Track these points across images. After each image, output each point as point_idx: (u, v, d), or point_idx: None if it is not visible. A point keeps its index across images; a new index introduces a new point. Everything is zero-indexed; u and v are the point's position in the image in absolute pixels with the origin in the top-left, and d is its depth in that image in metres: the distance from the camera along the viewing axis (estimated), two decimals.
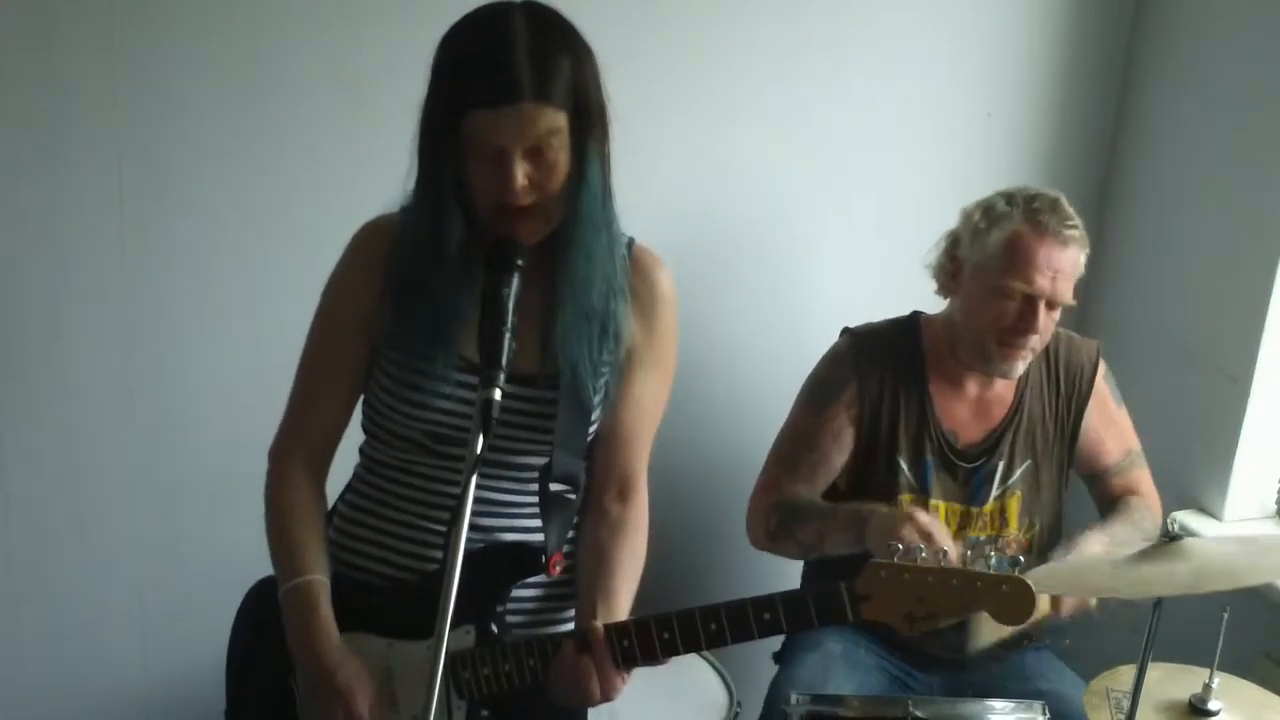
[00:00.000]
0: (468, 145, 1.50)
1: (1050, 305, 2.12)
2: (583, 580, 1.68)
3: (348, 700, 1.58)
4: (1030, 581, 1.45)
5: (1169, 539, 1.82)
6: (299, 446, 1.72)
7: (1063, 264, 2.10)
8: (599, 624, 1.55)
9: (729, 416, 2.75)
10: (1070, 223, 2.12)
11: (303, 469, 1.71)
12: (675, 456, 2.60)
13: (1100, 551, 2.12)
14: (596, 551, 1.68)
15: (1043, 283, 2.09)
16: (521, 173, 1.50)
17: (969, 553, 1.48)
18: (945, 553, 1.47)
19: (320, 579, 1.64)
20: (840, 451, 2.24)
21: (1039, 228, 2.09)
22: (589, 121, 1.53)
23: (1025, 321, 2.12)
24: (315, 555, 1.66)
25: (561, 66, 1.49)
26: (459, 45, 1.52)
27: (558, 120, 1.49)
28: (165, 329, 2.34)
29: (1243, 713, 1.94)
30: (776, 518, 2.23)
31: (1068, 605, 2.11)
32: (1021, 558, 1.48)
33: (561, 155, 1.52)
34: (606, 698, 1.56)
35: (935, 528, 1.98)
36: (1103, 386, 2.31)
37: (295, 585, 1.63)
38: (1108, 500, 2.36)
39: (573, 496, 1.69)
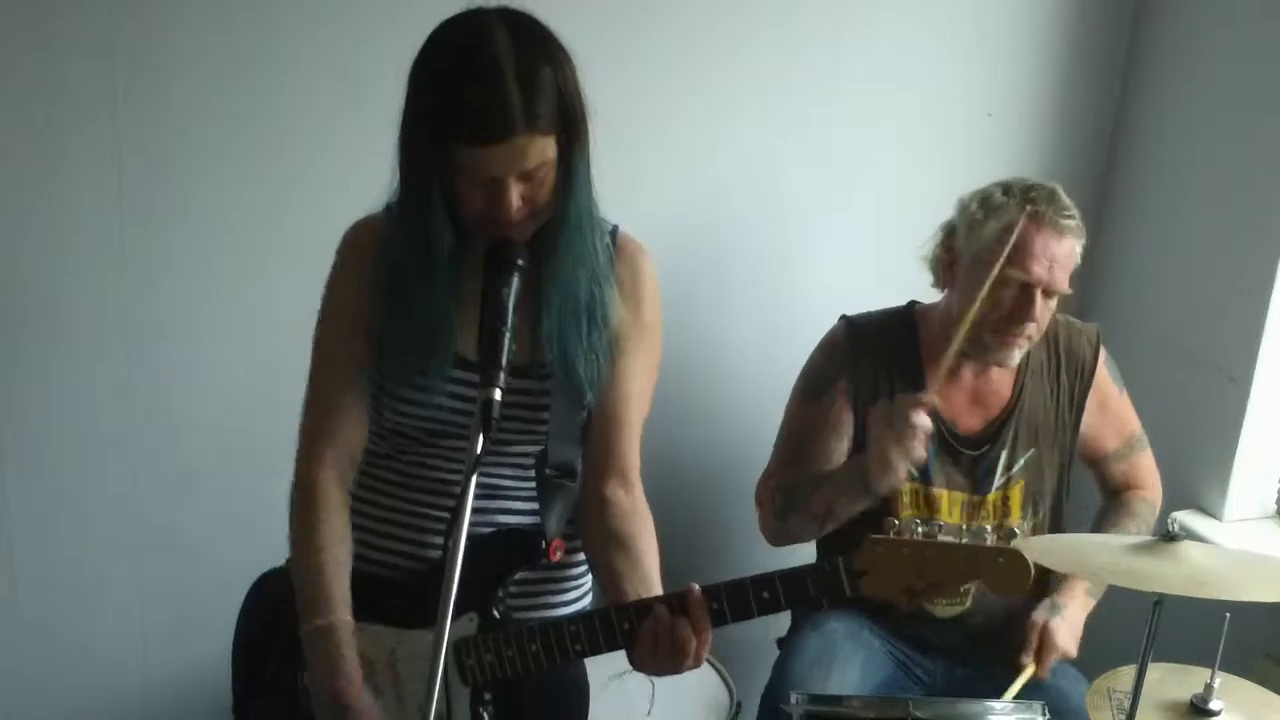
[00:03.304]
0: (457, 170, 1.51)
1: (1047, 294, 2.13)
2: (608, 571, 1.66)
3: None
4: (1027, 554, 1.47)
5: (1168, 538, 1.82)
6: (328, 454, 1.69)
7: (1059, 253, 2.11)
8: (696, 586, 1.54)
9: (728, 414, 2.75)
10: (1067, 212, 2.13)
11: (333, 483, 1.69)
12: (675, 451, 2.61)
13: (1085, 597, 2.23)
14: (614, 540, 1.67)
15: (1040, 271, 2.10)
16: (516, 194, 1.51)
17: (965, 526, 1.49)
18: (941, 526, 1.48)
19: (348, 619, 1.62)
20: (840, 439, 2.24)
21: (1036, 217, 2.10)
22: (575, 132, 1.54)
23: (1022, 310, 2.12)
24: (343, 591, 1.64)
25: (546, 84, 1.49)
26: (442, 72, 1.51)
27: (548, 146, 1.51)
28: (165, 329, 2.34)
29: (1244, 713, 1.93)
30: (780, 499, 2.23)
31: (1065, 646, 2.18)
32: (1018, 530, 1.49)
33: (551, 172, 1.54)
34: (698, 661, 1.55)
35: (910, 407, 1.96)
36: (1104, 373, 2.31)
37: (325, 625, 1.61)
38: (1110, 487, 2.39)
39: (570, 483, 1.69)
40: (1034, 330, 2.16)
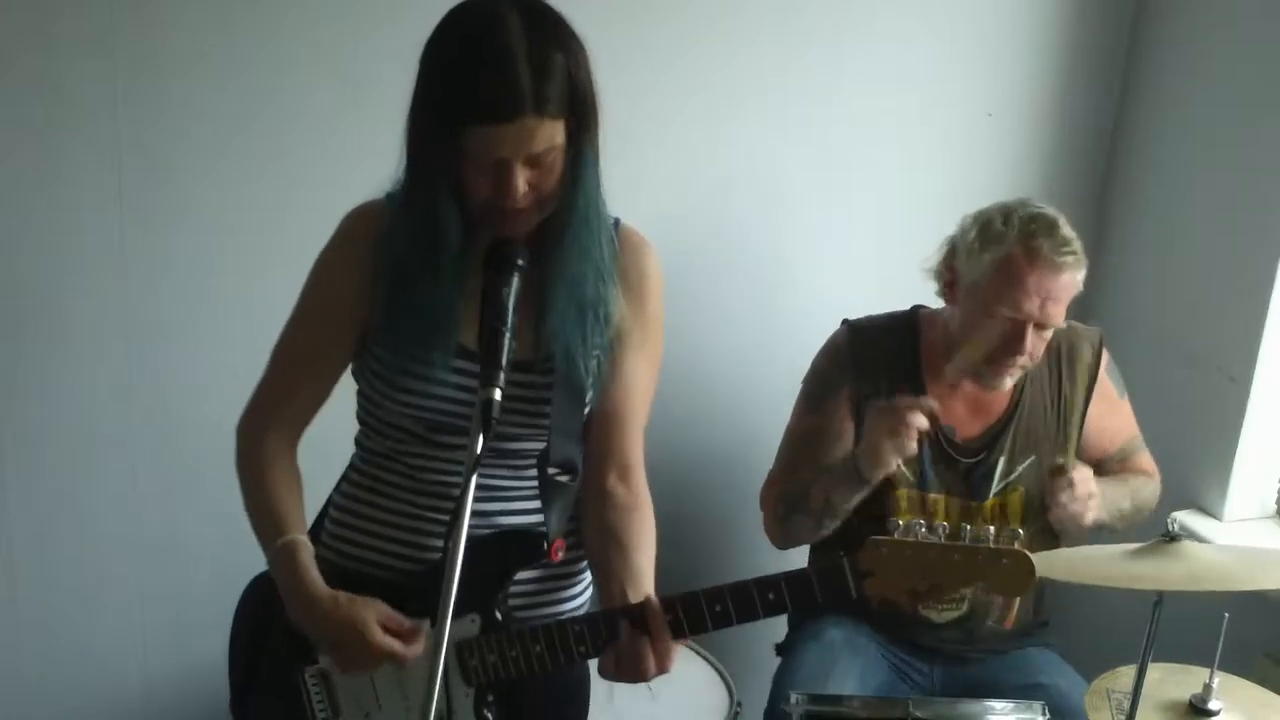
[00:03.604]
0: (464, 153, 1.50)
1: (1039, 327, 2.12)
2: (601, 565, 1.66)
3: (362, 629, 1.57)
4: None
5: (1168, 539, 1.82)
6: (271, 425, 1.71)
7: (1054, 289, 2.08)
8: (653, 597, 1.54)
9: (728, 414, 2.75)
10: (1066, 248, 2.09)
11: (274, 443, 1.71)
12: (676, 452, 2.61)
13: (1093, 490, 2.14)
14: (609, 534, 1.66)
15: (1030, 309, 2.08)
16: (522, 180, 1.50)
17: (968, 527, 1.49)
18: (945, 527, 1.48)
19: (303, 539, 1.64)
20: (843, 448, 2.24)
21: (1031, 254, 2.07)
22: (585, 120, 1.53)
23: (1013, 344, 2.11)
24: (296, 517, 1.67)
25: (558, 69, 1.48)
26: (453, 52, 1.50)
27: (557, 131, 1.50)
28: (165, 329, 2.34)
29: (1243, 712, 1.94)
30: (783, 504, 2.25)
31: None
32: (1021, 530, 1.49)
33: (559, 159, 1.52)
34: (662, 669, 1.55)
35: (907, 408, 2.02)
36: (1106, 378, 2.31)
37: (281, 545, 1.63)
38: None
39: (571, 482, 1.69)
40: (1027, 361, 2.15)
